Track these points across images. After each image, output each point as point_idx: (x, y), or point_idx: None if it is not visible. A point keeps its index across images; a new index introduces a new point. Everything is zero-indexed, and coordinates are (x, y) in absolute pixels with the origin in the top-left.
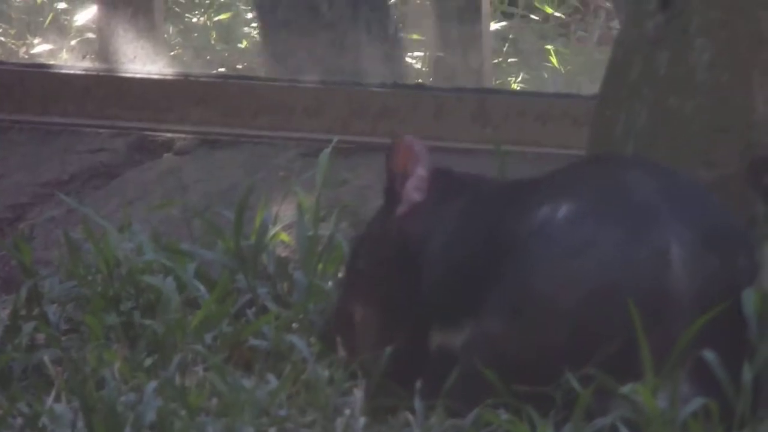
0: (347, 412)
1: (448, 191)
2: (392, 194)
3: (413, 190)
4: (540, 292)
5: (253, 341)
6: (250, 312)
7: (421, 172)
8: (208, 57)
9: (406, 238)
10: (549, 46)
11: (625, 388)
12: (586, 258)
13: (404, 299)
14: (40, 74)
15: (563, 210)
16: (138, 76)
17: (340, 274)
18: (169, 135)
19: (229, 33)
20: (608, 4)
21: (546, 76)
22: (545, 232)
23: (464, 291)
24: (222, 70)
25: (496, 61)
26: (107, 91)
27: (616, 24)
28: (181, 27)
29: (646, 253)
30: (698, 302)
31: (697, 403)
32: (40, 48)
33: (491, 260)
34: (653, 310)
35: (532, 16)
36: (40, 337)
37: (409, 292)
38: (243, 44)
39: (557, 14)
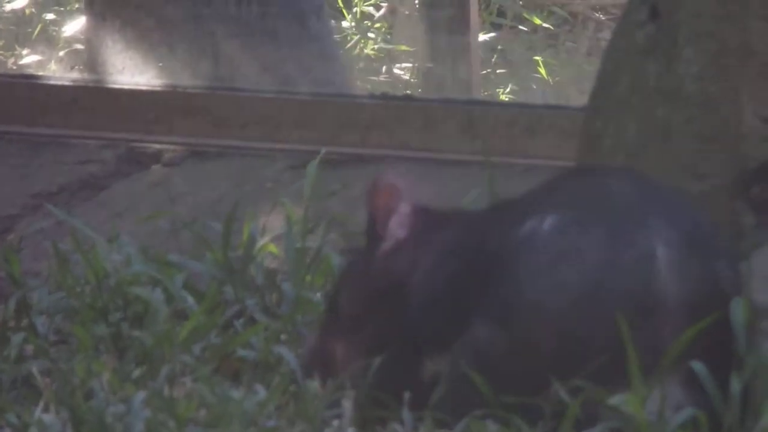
0: (335, 423)
1: (430, 226)
2: (374, 234)
3: (397, 227)
4: (528, 298)
5: (242, 352)
6: (238, 323)
7: (404, 209)
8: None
9: (391, 273)
10: (538, 57)
11: (614, 399)
12: (572, 263)
13: (390, 332)
14: (28, 85)
15: (547, 221)
16: (126, 87)
17: (327, 288)
18: (157, 146)
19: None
20: (597, 15)
21: (535, 87)
22: (530, 243)
23: (451, 319)
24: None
25: (484, 72)
26: (96, 102)
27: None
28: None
29: (632, 255)
30: (686, 304)
31: (686, 414)
32: (28, 59)
33: (477, 286)
34: (641, 312)
35: (521, 27)
36: (29, 348)
37: (395, 325)
38: None
39: (546, 25)
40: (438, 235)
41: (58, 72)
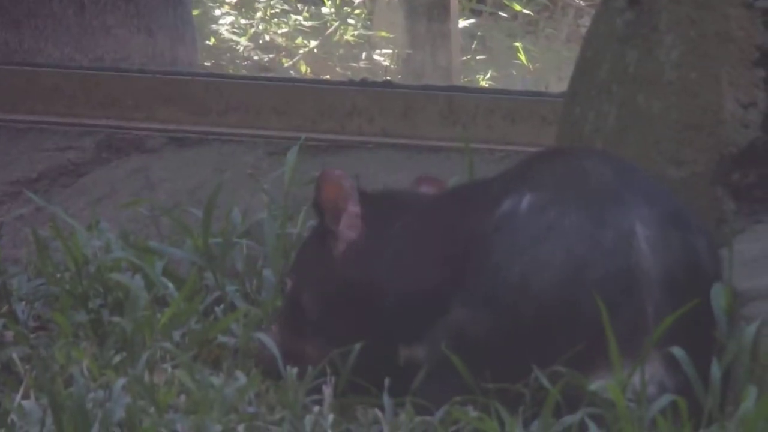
0: (316, 409)
1: (384, 218)
2: (325, 230)
3: (347, 229)
4: (509, 278)
5: (222, 338)
6: (218, 309)
7: (352, 208)
8: None
9: (348, 279)
10: (518, 44)
11: (594, 385)
12: (552, 242)
13: (358, 332)
14: (8, 72)
15: (525, 200)
16: (106, 74)
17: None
18: (137, 133)
19: (197, 30)
20: (577, 2)
21: (515, 73)
22: (510, 223)
23: (423, 307)
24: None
25: (464, 58)
26: (75, 89)
27: (584, 21)
28: None
29: (611, 233)
30: (665, 280)
31: (665, 399)
32: None
33: (449, 270)
34: (622, 289)
35: (501, 14)
36: (9, 335)
37: (362, 324)
38: (211, 41)
39: (526, 12)
40: (394, 230)
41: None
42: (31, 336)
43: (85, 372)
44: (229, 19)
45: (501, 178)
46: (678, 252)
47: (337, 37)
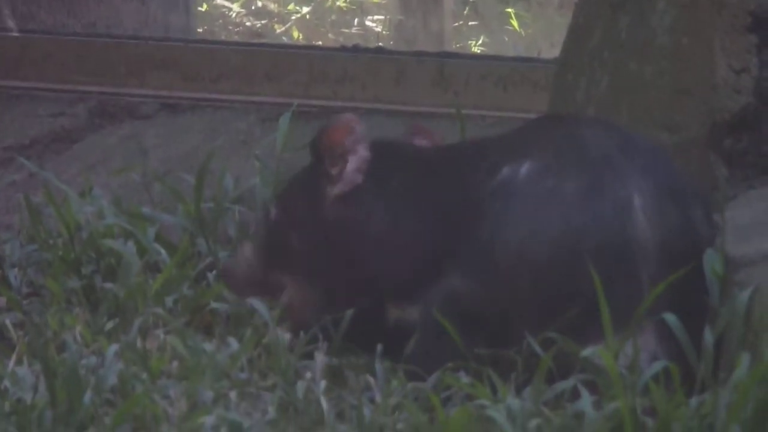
0: (308, 375)
1: (388, 168)
2: (320, 172)
3: (355, 172)
4: (506, 247)
5: (214, 305)
6: (210, 276)
7: (363, 152)
8: None
9: (346, 221)
10: (510, 10)
11: (587, 351)
12: (550, 212)
13: (347, 278)
14: (0, 39)
15: (524, 168)
16: (98, 40)
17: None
18: (129, 100)
19: None
20: None
21: (507, 39)
22: (508, 190)
23: (417, 266)
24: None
25: (456, 24)
26: (68, 56)
27: None
28: None
29: (609, 203)
30: (661, 250)
31: (658, 366)
32: None
33: (446, 232)
34: (618, 260)
35: None
36: (2, 301)
37: (352, 272)
38: (203, 8)
39: None
40: (397, 181)
41: None
42: (24, 302)
43: (78, 338)
44: None
45: (501, 142)
46: (674, 224)
47: (329, 3)
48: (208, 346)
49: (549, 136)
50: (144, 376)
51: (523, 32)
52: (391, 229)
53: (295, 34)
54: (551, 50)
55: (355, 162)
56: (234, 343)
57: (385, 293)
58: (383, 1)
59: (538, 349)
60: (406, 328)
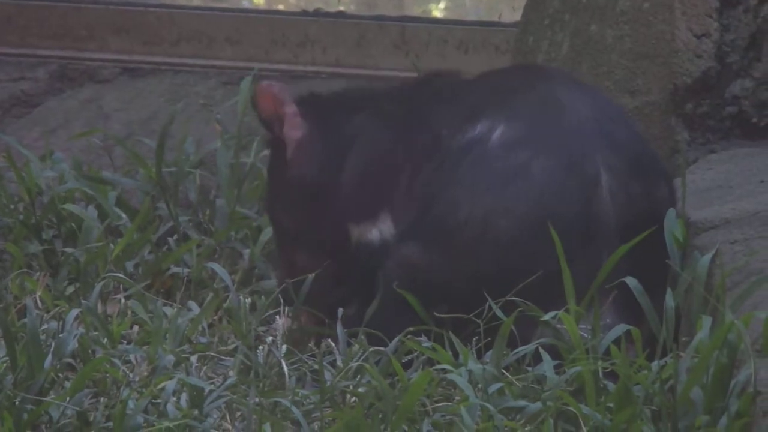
0: (269, 339)
1: (331, 115)
2: (276, 140)
3: (290, 130)
4: (470, 218)
5: (175, 269)
6: (171, 240)
7: (288, 109)
8: None
9: (299, 178)
10: None
11: (548, 316)
12: (518, 186)
13: (321, 225)
14: None
15: (497, 132)
16: (59, 5)
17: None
18: (90, 64)
19: None
20: None
21: (467, 3)
22: (477, 155)
23: (377, 187)
24: None
25: None
26: (28, 20)
27: None
28: None
29: (576, 180)
30: (624, 230)
31: (619, 330)
32: None
33: (405, 156)
34: (582, 237)
35: None
36: None
37: (323, 215)
38: None
39: None
40: (355, 120)
41: None
42: None
43: (39, 303)
44: None
45: (477, 88)
46: (638, 202)
47: None
48: (169, 311)
49: (525, 97)
50: (104, 340)
51: None
52: (341, 176)
53: None
54: (512, 14)
55: (287, 122)
56: (195, 308)
57: (348, 211)
58: None
59: (500, 312)
60: (366, 252)
